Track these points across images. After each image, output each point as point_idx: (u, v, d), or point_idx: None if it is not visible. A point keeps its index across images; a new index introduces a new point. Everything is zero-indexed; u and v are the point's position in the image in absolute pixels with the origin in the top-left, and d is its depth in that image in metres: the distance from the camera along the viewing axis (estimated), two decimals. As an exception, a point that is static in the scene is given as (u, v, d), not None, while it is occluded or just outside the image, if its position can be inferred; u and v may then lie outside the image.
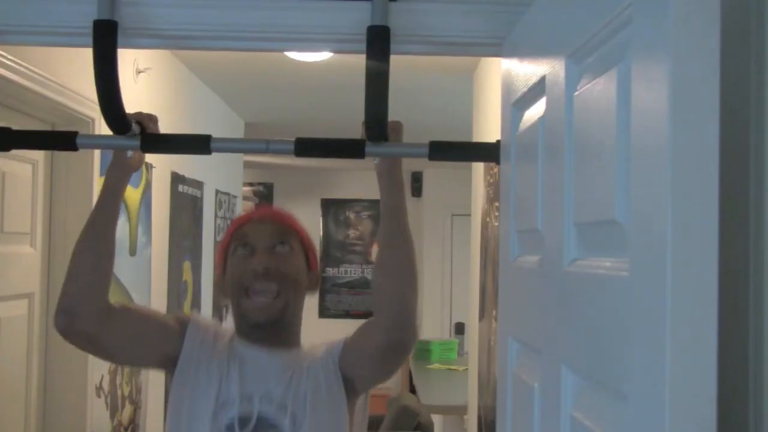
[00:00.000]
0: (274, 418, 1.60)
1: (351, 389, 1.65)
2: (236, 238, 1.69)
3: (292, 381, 1.63)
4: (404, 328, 1.56)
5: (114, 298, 1.65)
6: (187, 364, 1.64)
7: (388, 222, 1.58)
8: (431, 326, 7.81)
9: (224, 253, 1.73)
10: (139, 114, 1.55)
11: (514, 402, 1.36)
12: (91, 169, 2.84)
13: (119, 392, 3.21)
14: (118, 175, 1.61)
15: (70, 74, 2.61)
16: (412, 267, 1.58)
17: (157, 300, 3.65)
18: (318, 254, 1.81)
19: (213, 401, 1.60)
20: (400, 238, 1.58)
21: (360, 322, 1.70)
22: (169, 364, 1.66)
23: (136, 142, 1.52)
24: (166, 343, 1.65)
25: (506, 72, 1.46)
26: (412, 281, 1.58)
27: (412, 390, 6.28)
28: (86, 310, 1.55)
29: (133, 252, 3.28)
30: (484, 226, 3.47)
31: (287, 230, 1.70)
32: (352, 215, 8.82)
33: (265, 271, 1.62)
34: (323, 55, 3.67)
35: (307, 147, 1.55)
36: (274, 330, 1.66)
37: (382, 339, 1.58)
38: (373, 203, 8.59)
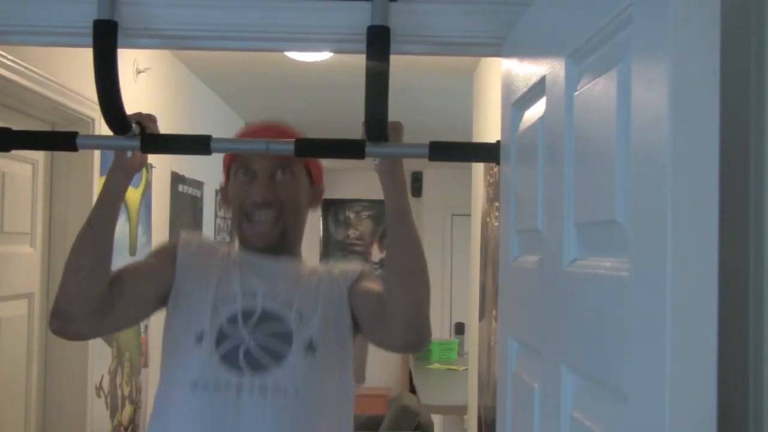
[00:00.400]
0: (279, 312, 1.59)
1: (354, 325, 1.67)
2: (238, 161, 1.68)
3: (299, 282, 1.64)
4: (418, 332, 1.56)
5: None
6: (183, 274, 1.64)
7: (394, 223, 1.57)
8: (431, 326, 7.79)
9: (227, 169, 1.73)
10: (139, 114, 1.55)
11: (514, 402, 1.36)
12: (91, 169, 2.84)
13: (119, 392, 3.21)
14: (119, 178, 1.59)
15: (70, 74, 2.61)
16: (422, 268, 1.57)
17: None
18: (322, 168, 1.80)
19: (212, 297, 1.60)
20: (408, 239, 1.56)
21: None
22: (166, 298, 1.65)
23: (136, 143, 1.52)
24: (163, 286, 1.64)
25: (506, 72, 1.46)
26: (424, 282, 1.57)
27: (412, 390, 6.28)
28: (81, 314, 1.53)
29: (133, 252, 3.28)
30: (484, 226, 3.47)
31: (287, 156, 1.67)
32: (352, 215, 8.82)
33: (264, 201, 1.63)
34: (323, 55, 3.67)
35: (307, 147, 1.55)
36: (274, 249, 1.67)
37: (396, 342, 1.59)
38: (373, 203, 8.59)
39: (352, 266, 1.73)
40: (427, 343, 1.59)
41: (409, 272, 1.56)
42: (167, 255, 1.68)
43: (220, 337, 1.57)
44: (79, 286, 1.54)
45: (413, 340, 1.57)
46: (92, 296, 1.54)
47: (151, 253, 1.76)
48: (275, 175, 1.66)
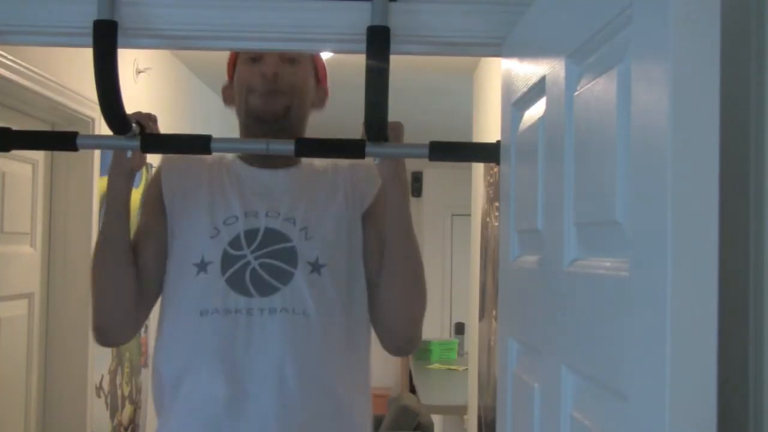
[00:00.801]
0: (282, 230, 1.55)
1: None
2: (244, 54, 1.65)
3: (302, 195, 1.59)
4: (409, 341, 1.56)
5: None
6: (172, 203, 1.59)
7: (395, 231, 1.54)
8: (431, 326, 7.81)
9: (233, 65, 1.69)
10: (139, 114, 1.55)
11: (514, 402, 1.36)
12: (91, 169, 2.84)
13: (119, 392, 3.21)
14: (121, 180, 1.57)
15: (70, 74, 2.61)
16: (420, 279, 1.56)
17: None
18: (327, 70, 1.77)
19: (210, 219, 1.55)
20: (410, 247, 1.55)
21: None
22: None
23: (136, 143, 1.52)
24: (166, 238, 1.59)
25: (506, 72, 1.46)
26: (421, 293, 1.56)
27: (412, 390, 6.28)
28: (121, 326, 1.55)
29: (133, 252, 3.27)
30: (484, 226, 3.47)
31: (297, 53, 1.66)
32: (352, 215, 8.81)
33: (273, 76, 1.59)
34: (323, 55, 3.67)
35: (307, 147, 1.55)
36: (276, 132, 1.59)
37: (386, 344, 1.58)
38: (373, 203, 8.57)
39: (369, 176, 1.63)
40: (416, 348, 1.58)
41: (406, 277, 1.54)
42: (156, 201, 1.63)
43: (225, 261, 1.53)
44: (113, 302, 1.54)
45: (401, 346, 1.57)
46: (127, 305, 1.54)
47: (141, 209, 1.69)
48: (283, 62, 1.62)
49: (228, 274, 1.52)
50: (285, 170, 1.65)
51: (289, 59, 1.63)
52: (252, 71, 1.63)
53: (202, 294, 1.51)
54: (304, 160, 1.69)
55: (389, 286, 1.54)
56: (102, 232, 1.58)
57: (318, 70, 1.73)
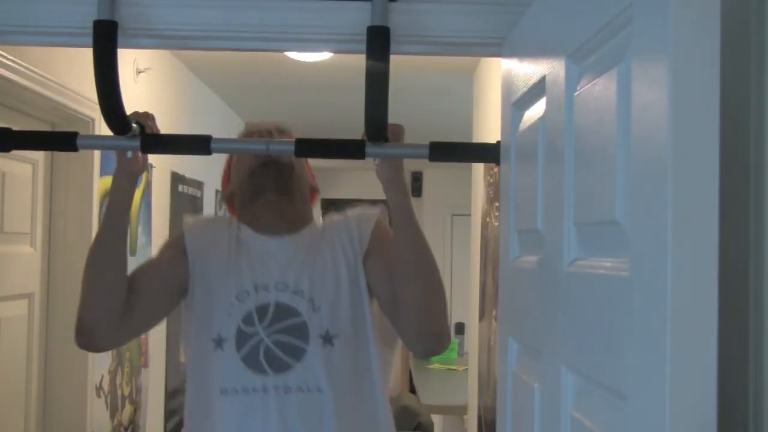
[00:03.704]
0: (292, 303, 1.59)
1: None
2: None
3: (307, 261, 1.63)
4: (437, 336, 1.55)
5: None
6: (195, 263, 1.64)
7: (402, 229, 1.56)
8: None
9: (229, 160, 1.77)
10: (137, 113, 1.54)
11: (514, 402, 1.36)
12: (91, 170, 2.84)
13: (119, 392, 3.21)
14: (124, 184, 1.58)
15: (70, 74, 2.61)
16: (434, 270, 1.57)
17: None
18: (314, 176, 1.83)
19: (225, 295, 1.60)
20: (417, 243, 1.56)
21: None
22: (186, 291, 1.66)
23: (136, 143, 1.52)
24: (179, 278, 1.64)
25: (506, 72, 1.46)
26: (438, 285, 1.56)
27: (412, 390, 6.28)
28: (106, 328, 1.56)
29: (133, 252, 3.28)
30: (484, 226, 3.47)
31: (287, 128, 1.74)
32: (352, 215, 8.82)
33: (268, 132, 1.66)
34: (323, 55, 3.67)
35: (307, 147, 1.55)
36: (280, 185, 1.65)
37: (414, 348, 1.59)
38: (373, 203, 8.58)
39: (361, 221, 1.69)
40: (447, 345, 1.58)
41: (421, 273, 1.55)
42: (176, 246, 1.68)
43: (240, 339, 1.58)
44: (101, 302, 1.55)
45: (431, 346, 1.57)
46: (114, 309, 1.55)
47: (161, 249, 1.75)
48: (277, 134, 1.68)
49: (243, 352, 1.58)
50: (289, 237, 1.69)
51: (280, 130, 1.70)
52: (250, 159, 1.69)
53: (221, 373, 1.58)
54: (317, 220, 1.76)
55: (404, 284, 1.55)
56: (100, 232, 1.60)
57: (307, 167, 1.78)
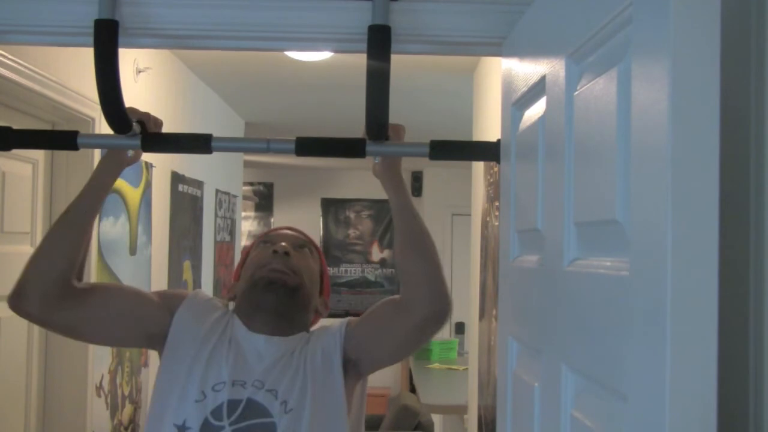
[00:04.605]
0: (264, 403, 1.57)
1: (354, 371, 1.65)
2: (258, 240, 1.76)
3: (285, 368, 1.61)
4: (443, 297, 1.59)
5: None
6: (178, 340, 1.62)
7: (401, 218, 1.61)
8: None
9: (245, 256, 1.78)
10: (133, 110, 1.55)
11: (514, 402, 1.36)
12: (91, 169, 2.83)
13: (119, 392, 3.21)
14: (111, 169, 1.61)
15: (71, 74, 2.61)
16: (433, 247, 1.62)
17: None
18: (329, 287, 1.86)
19: (201, 382, 1.57)
20: (416, 226, 1.61)
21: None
22: (155, 342, 1.65)
23: (137, 142, 1.52)
24: (147, 323, 1.64)
25: (506, 72, 1.46)
26: (437, 259, 1.61)
27: (412, 390, 6.28)
28: (33, 294, 1.54)
29: (133, 251, 3.28)
30: (484, 226, 3.47)
31: (308, 241, 1.78)
32: (352, 215, 8.82)
33: (284, 252, 1.67)
34: (323, 55, 3.67)
35: (307, 146, 1.55)
36: (280, 307, 1.66)
37: (425, 311, 1.58)
38: (373, 203, 8.59)
39: (333, 324, 1.71)
40: (450, 310, 1.60)
41: (421, 250, 1.60)
42: (169, 300, 1.68)
43: (204, 430, 1.54)
44: (39, 264, 1.55)
45: (440, 307, 1.59)
46: (49, 277, 1.54)
47: (156, 292, 1.76)
48: (294, 248, 1.71)
49: None
50: (282, 338, 1.66)
51: (300, 244, 1.74)
52: (265, 249, 1.71)
53: None
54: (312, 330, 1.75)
55: (412, 263, 1.59)
56: (69, 206, 1.60)
57: (323, 279, 1.79)
